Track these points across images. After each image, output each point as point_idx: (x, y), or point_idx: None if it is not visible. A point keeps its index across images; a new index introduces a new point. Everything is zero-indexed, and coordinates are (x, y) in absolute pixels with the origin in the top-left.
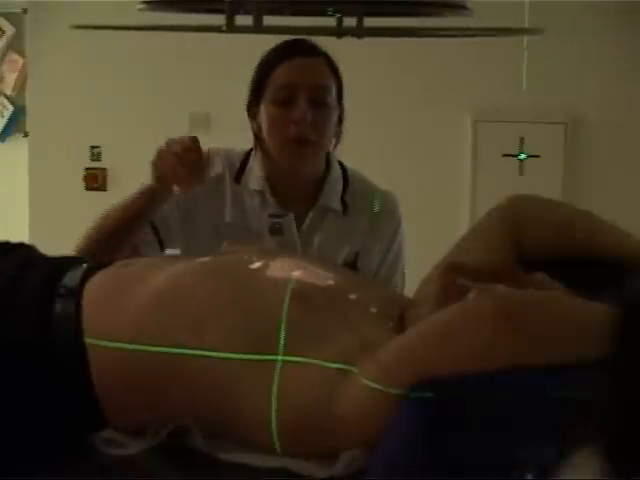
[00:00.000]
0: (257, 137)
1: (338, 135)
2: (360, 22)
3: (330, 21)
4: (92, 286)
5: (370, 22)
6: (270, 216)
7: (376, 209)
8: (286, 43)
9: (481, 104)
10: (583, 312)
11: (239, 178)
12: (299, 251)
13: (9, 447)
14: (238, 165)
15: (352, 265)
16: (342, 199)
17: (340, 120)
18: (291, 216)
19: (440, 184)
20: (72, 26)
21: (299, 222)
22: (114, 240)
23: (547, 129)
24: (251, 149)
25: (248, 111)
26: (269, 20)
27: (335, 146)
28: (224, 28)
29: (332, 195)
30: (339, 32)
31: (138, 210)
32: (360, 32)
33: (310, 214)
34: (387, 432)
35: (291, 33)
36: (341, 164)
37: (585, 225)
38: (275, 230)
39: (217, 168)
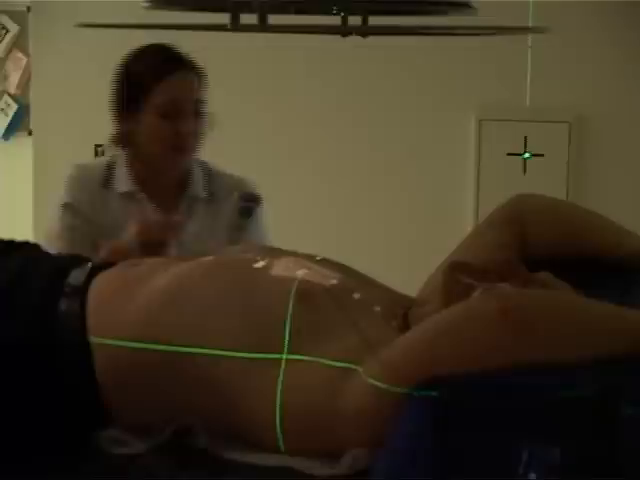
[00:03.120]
0: (126, 138)
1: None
2: (365, 21)
3: (335, 20)
4: (97, 285)
5: (375, 21)
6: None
7: (238, 189)
8: (161, 55)
9: (485, 103)
10: (588, 311)
11: (107, 183)
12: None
13: (14, 446)
14: (103, 172)
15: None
16: (207, 188)
17: None
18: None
19: (444, 183)
20: (77, 24)
21: (171, 213)
22: None
23: (551, 128)
24: (112, 156)
25: (119, 114)
26: (274, 19)
27: None
28: (229, 27)
29: (198, 185)
30: (344, 31)
31: None
32: (365, 31)
33: (181, 204)
34: (392, 431)
35: (296, 32)
36: (202, 160)
37: (589, 224)
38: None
39: (83, 182)
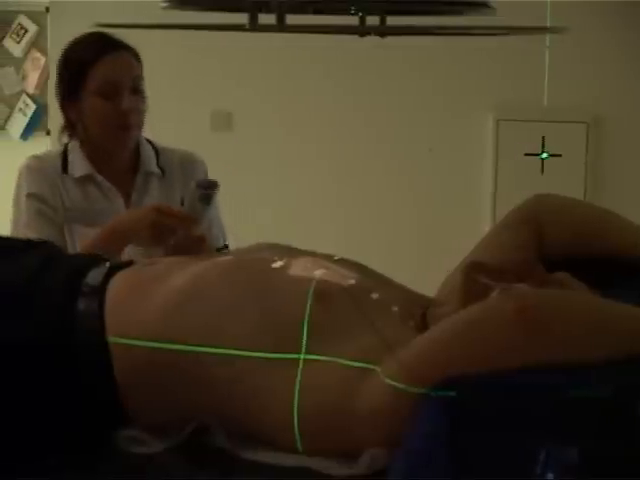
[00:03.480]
0: (74, 125)
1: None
2: (383, 21)
3: (352, 20)
4: (115, 285)
5: (392, 21)
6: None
7: (186, 162)
8: (94, 40)
9: (503, 103)
10: (606, 311)
11: (65, 169)
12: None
13: (32, 445)
14: (60, 159)
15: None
16: (158, 165)
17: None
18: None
19: (462, 183)
20: (96, 24)
21: (128, 191)
22: None
23: (569, 128)
24: (66, 144)
25: (62, 102)
26: (292, 19)
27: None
28: (247, 27)
29: (150, 162)
30: (362, 31)
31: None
32: (382, 31)
33: (136, 181)
34: (409, 431)
35: (314, 32)
36: (147, 139)
37: (607, 224)
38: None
39: (41, 172)
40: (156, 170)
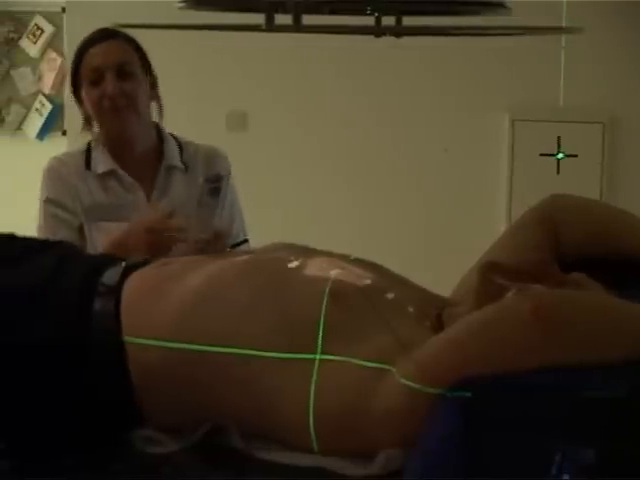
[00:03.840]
0: (88, 119)
1: (157, 100)
2: (399, 21)
3: (368, 20)
4: (131, 284)
5: (408, 21)
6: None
7: (209, 156)
8: (92, 33)
9: (519, 103)
10: (622, 312)
11: (89, 165)
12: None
13: (48, 444)
14: (83, 157)
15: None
16: (181, 160)
17: (152, 86)
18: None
19: (478, 183)
20: (112, 25)
21: (151, 184)
22: None
23: (585, 128)
24: (89, 142)
25: (75, 97)
26: (308, 19)
27: (160, 114)
28: (264, 27)
29: (173, 156)
30: (378, 31)
31: None
32: (399, 31)
33: (159, 174)
34: (424, 432)
35: (330, 32)
36: (172, 134)
37: (622, 224)
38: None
39: (60, 173)
40: (179, 164)
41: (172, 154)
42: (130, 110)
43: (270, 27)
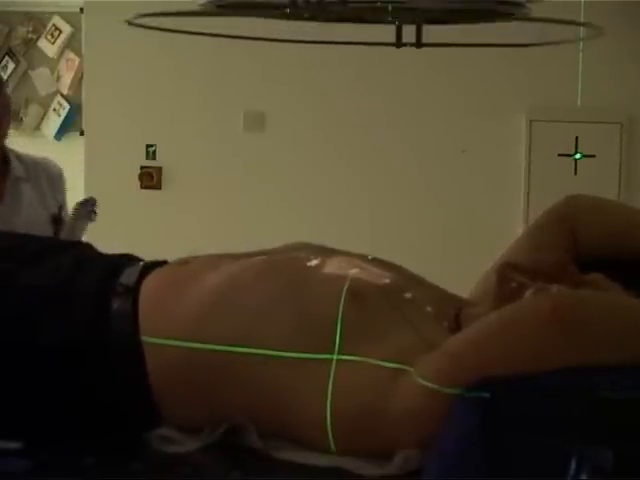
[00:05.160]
0: None
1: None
2: (419, 29)
3: (389, 28)
4: (149, 284)
5: (427, 29)
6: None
7: (51, 172)
8: None
9: (536, 104)
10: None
11: None
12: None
13: (66, 445)
14: None
15: (59, 218)
16: (25, 171)
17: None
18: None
19: (495, 184)
20: (134, 15)
21: (1, 195)
22: None
23: (603, 129)
24: None
25: None
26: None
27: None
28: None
29: (17, 168)
30: (398, 44)
31: None
32: (419, 44)
33: (8, 186)
34: (442, 432)
35: (352, 44)
36: (10, 149)
37: None
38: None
39: None
40: (24, 176)
41: (16, 166)
42: None
43: (289, 39)
